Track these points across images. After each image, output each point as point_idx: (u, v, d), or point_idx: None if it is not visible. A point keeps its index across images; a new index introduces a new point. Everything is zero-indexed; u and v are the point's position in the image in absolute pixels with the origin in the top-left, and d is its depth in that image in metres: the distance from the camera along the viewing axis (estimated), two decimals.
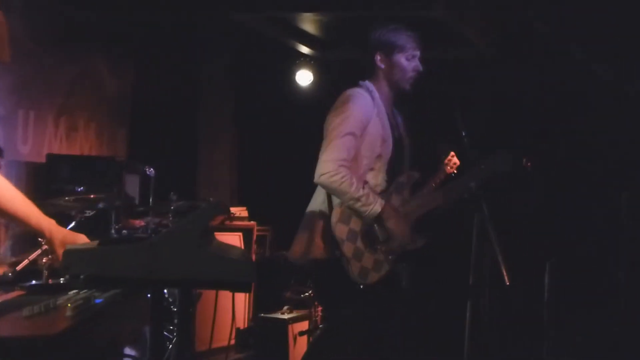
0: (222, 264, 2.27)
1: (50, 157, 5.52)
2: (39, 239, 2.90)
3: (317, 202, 3.78)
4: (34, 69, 5.49)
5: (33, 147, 5.58)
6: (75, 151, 6.10)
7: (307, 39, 7.26)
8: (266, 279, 6.04)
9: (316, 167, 3.56)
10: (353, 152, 3.60)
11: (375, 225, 3.63)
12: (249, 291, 3.72)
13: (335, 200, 3.66)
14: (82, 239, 2.85)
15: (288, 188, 6.09)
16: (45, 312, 2.19)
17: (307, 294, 5.90)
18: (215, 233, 2.76)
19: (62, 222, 3.34)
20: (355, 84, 3.82)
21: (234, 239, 5.98)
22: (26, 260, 3.26)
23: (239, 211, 6.33)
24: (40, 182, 5.33)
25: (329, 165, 3.52)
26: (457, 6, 5.96)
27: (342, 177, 3.51)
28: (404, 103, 3.94)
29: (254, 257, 6.26)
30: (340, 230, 3.61)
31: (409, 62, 3.79)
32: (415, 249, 3.77)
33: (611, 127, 6.21)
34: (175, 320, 4.48)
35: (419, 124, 4.07)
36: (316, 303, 5.62)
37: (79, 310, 2.19)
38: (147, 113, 6.86)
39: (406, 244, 3.71)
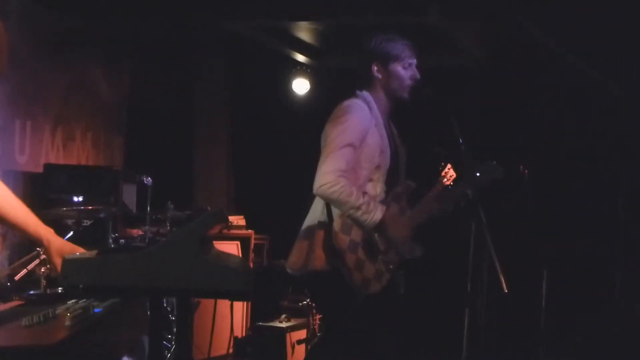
0: (221, 272, 2.27)
1: (48, 166, 5.52)
2: (37, 248, 2.90)
3: (316, 212, 3.76)
4: (29, 78, 5.50)
5: (30, 157, 5.59)
6: (72, 160, 6.10)
7: (303, 47, 7.27)
8: (264, 287, 6.05)
9: (315, 179, 3.54)
10: (352, 163, 3.58)
11: (375, 234, 3.62)
12: (249, 300, 3.72)
13: (335, 211, 3.64)
14: (78, 250, 2.85)
15: (285, 197, 6.11)
16: (44, 322, 2.19)
17: (304, 302, 5.91)
18: (213, 242, 2.77)
19: (60, 231, 3.34)
20: (352, 93, 3.82)
21: (231, 248, 5.98)
22: (24, 269, 3.25)
23: (237, 220, 6.33)
24: (37, 191, 5.33)
25: (328, 177, 3.51)
26: (452, 13, 5.98)
27: (342, 187, 3.50)
28: (399, 111, 3.95)
29: (251, 265, 6.26)
30: (342, 241, 3.60)
31: (405, 70, 3.79)
32: (413, 257, 3.77)
33: (608, 130, 6.24)
34: (174, 329, 4.48)
35: (414, 132, 4.07)
36: (314, 311, 5.62)
37: (78, 319, 2.19)
38: (143, 121, 6.87)
39: (407, 250, 3.71)
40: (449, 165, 4.00)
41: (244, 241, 6.24)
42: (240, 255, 6.06)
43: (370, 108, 3.73)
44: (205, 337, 5.38)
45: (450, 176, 4.01)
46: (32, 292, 2.80)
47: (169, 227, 5.11)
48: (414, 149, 4.00)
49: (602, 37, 5.74)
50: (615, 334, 5.83)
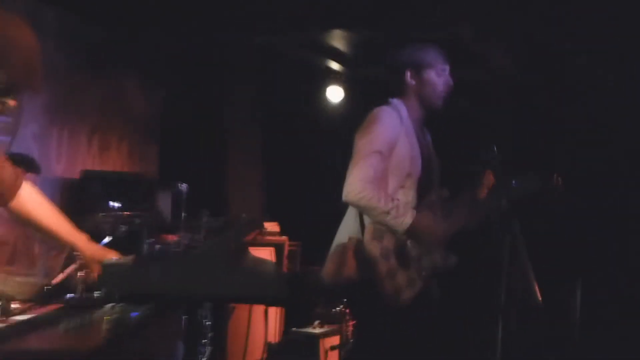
0: (256, 279, 2.29)
1: (85, 173, 5.56)
2: (75, 254, 2.94)
3: (349, 221, 3.78)
4: (66, 89, 5.55)
5: (67, 165, 5.63)
6: (108, 168, 6.15)
7: (337, 55, 7.28)
8: (298, 293, 6.05)
9: (344, 186, 3.57)
10: (380, 171, 3.60)
11: (408, 241, 3.63)
12: (283, 306, 3.72)
13: (367, 219, 3.66)
14: (112, 255, 2.89)
15: (317, 203, 6.10)
16: (82, 326, 2.22)
17: (338, 308, 5.91)
18: (250, 248, 2.79)
19: (97, 238, 3.38)
20: (385, 100, 3.84)
21: (266, 254, 5.98)
22: (63, 274, 3.29)
23: (271, 226, 6.34)
24: (74, 198, 5.37)
25: (356, 184, 3.52)
26: (484, 25, 5.98)
27: (369, 193, 3.51)
28: (434, 121, 3.95)
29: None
30: (374, 248, 3.60)
31: (439, 77, 3.81)
32: (446, 267, 3.78)
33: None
34: (209, 335, 4.49)
35: (449, 143, 4.07)
36: (347, 317, 5.62)
37: (115, 324, 2.21)
38: (177, 131, 6.91)
39: (440, 258, 3.72)
40: (488, 171, 3.99)
41: (278, 247, 6.23)
42: (275, 261, 6.07)
43: (400, 116, 3.75)
44: (240, 342, 5.39)
45: (490, 182, 4.01)
46: (70, 295, 2.84)
47: (203, 234, 5.12)
48: (448, 159, 4.00)
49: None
50: None
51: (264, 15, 6.26)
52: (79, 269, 2.93)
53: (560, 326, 5.59)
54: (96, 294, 2.64)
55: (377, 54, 6.84)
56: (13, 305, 2.56)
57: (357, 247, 3.66)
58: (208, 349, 2.91)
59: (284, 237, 6.39)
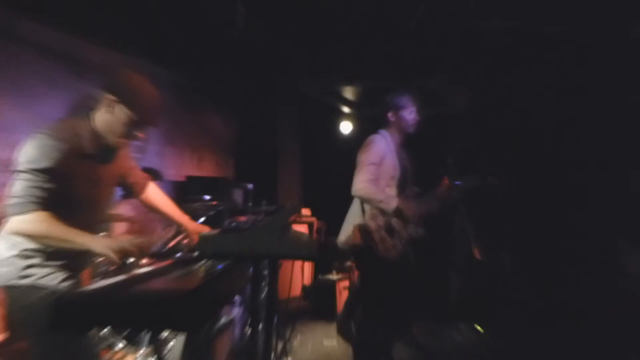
0: (297, 244, 2.32)
1: (188, 177, 5.64)
2: (181, 229, 2.99)
3: (355, 207, 3.80)
4: (175, 122, 5.60)
5: (177, 171, 5.69)
6: (203, 174, 6.20)
7: (348, 102, 7.28)
8: (323, 254, 6.03)
9: (352, 185, 3.58)
10: (375, 175, 3.60)
11: (393, 219, 3.62)
12: (314, 261, 3.69)
13: (366, 206, 3.67)
14: (207, 229, 2.94)
15: (335, 196, 6.10)
16: (188, 274, 2.27)
17: (347, 263, 5.92)
18: (292, 225, 2.81)
19: (195, 218, 3.43)
20: (376, 131, 3.84)
21: (302, 228, 5.96)
22: (173, 241, 3.36)
23: (306, 211, 6.34)
24: (181, 194, 5.41)
25: (360, 183, 3.54)
26: (449, 80, 5.90)
27: (369, 189, 3.52)
28: (409, 142, 3.93)
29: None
30: (371, 224, 3.63)
31: (410, 115, 3.80)
32: (417, 236, 3.78)
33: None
34: (267, 280, 4.51)
35: (419, 156, 4.03)
36: (354, 269, 5.61)
37: (208, 272, 2.26)
38: (247, 149, 6.93)
39: (414, 230, 3.69)
40: (445, 178, 3.98)
41: (310, 225, 6.19)
42: (308, 233, 6.07)
43: (387, 140, 3.75)
44: (286, 285, 5.39)
45: (445, 184, 3.98)
46: (178, 255, 2.90)
47: (262, 216, 5.13)
48: (419, 167, 3.98)
49: None
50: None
51: (306, 73, 6.27)
52: (184, 238, 2.98)
53: (495, 276, 5.49)
54: (195, 254, 2.71)
55: (372, 102, 6.85)
56: (143, 261, 2.62)
57: (361, 224, 3.67)
58: (265, 289, 2.96)
59: (314, 218, 6.32)
